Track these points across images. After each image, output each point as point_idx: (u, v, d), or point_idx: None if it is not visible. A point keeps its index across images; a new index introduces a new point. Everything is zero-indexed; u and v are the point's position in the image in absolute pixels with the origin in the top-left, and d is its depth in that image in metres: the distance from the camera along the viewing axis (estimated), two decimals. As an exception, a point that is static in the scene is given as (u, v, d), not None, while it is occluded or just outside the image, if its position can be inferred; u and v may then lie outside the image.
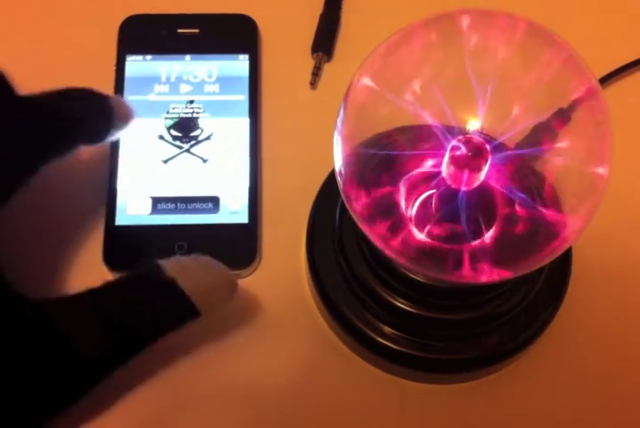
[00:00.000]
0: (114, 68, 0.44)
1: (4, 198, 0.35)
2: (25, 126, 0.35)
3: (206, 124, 0.43)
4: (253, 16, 0.46)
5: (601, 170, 0.30)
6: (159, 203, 0.41)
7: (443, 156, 0.30)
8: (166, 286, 0.34)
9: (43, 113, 0.36)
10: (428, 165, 0.32)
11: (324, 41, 0.46)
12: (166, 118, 0.43)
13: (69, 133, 0.36)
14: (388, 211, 0.32)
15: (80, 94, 0.37)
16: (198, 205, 0.41)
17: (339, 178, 0.31)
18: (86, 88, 0.37)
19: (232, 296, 0.36)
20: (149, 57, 0.44)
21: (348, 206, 0.31)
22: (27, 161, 0.35)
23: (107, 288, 0.35)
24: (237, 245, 0.40)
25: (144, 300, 0.34)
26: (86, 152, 0.42)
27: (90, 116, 0.37)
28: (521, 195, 0.31)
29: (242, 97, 0.43)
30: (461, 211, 0.31)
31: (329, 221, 0.38)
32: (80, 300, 0.34)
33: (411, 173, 0.33)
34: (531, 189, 0.32)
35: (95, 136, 0.38)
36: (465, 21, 0.31)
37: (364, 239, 0.35)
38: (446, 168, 0.30)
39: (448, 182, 0.30)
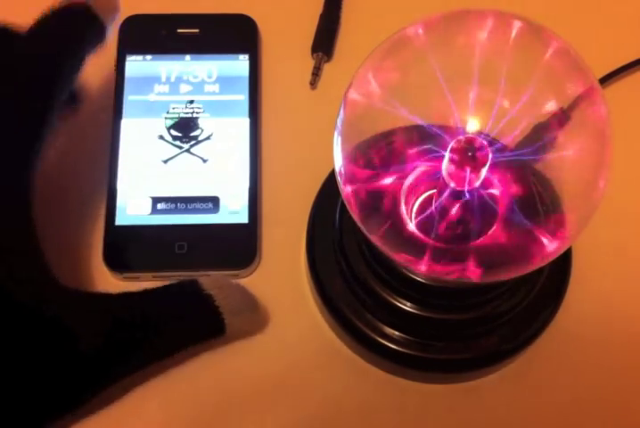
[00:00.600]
0: (114, 68, 0.44)
1: (48, 123, 0.36)
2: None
3: (206, 124, 0.43)
4: (253, 16, 0.46)
5: (601, 170, 0.30)
6: (159, 203, 0.41)
7: (443, 156, 0.30)
8: (202, 300, 0.35)
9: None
10: (428, 165, 0.32)
11: (324, 41, 0.46)
12: (166, 118, 0.43)
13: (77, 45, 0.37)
14: (388, 211, 0.32)
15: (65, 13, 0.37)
16: (198, 205, 0.41)
17: (339, 178, 0.31)
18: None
19: (257, 322, 0.37)
20: (149, 57, 0.44)
21: (347, 206, 0.31)
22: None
23: (138, 293, 0.35)
24: (237, 245, 0.40)
25: (175, 311, 0.35)
26: (86, 151, 0.43)
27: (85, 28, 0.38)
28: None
29: (242, 97, 0.43)
30: (461, 211, 0.31)
31: (329, 221, 0.38)
32: (100, 300, 0.35)
33: (411, 173, 0.33)
34: (531, 189, 0.32)
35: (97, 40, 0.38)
36: (466, 22, 0.31)
37: (364, 239, 0.35)
38: (446, 168, 0.30)
39: (448, 182, 0.30)
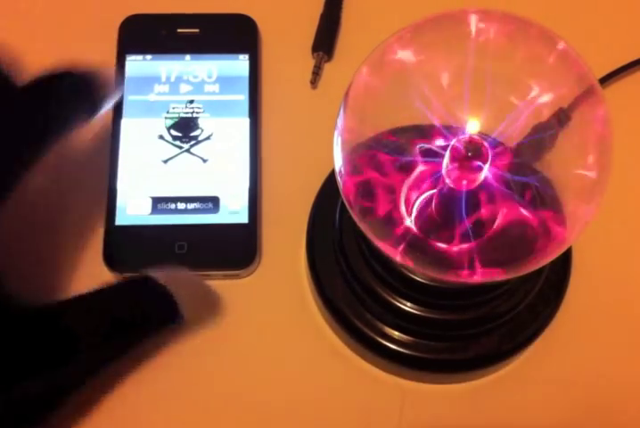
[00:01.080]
0: (114, 68, 0.44)
1: (6, 189, 0.34)
2: (22, 114, 0.35)
3: (206, 124, 0.43)
4: (253, 16, 0.46)
5: (601, 170, 0.30)
6: (159, 203, 0.41)
7: (443, 156, 0.30)
8: (155, 287, 0.35)
9: (35, 102, 0.35)
10: (428, 165, 0.32)
11: (325, 40, 0.46)
12: (166, 118, 0.43)
13: (61, 118, 0.36)
14: (388, 211, 0.32)
15: (63, 78, 0.36)
16: (198, 205, 0.41)
17: (339, 178, 0.31)
18: (66, 70, 0.36)
19: (216, 311, 0.38)
20: (149, 57, 0.44)
21: (347, 206, 0.31)
22: (27, 147, 0.35)
23: (110, 290, 0.35)
24: (237, 245, 0.40)
25: (141, 302, 0.35)
26: (86, 151, 0.43)
27: (76, 99, 0.36)
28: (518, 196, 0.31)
29: (242, 97, 0.43)
30: (461, 211, 0.31)
31: (329, 221, 0.38)
32: (99, 299, 0.35)
33: (411, 173, 0.33)
34: (531, 189, 0.32)
35: (86, 115, 0.37)
36: (465, 21, 0.31)
37: (364, 239, 0.35)
38: (446, 168, 0.30)
39: (448, 182, 0.30)
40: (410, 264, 0.31)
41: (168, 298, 0.35)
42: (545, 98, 0.31)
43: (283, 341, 0.39)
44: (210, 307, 0.38)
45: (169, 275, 0.36)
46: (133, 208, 0.41)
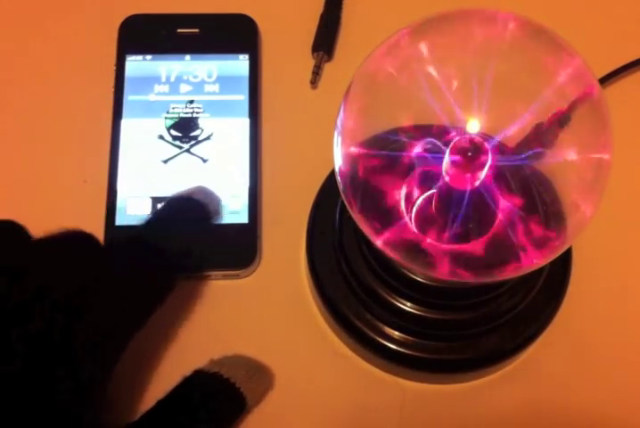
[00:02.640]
0: (114, 68, 0.44)
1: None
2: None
3: (206, 124, 0.43)
4: (253, 16, 0.46)
5: (601, 170, 0.30)
6: (159, 203, 0.41)
7: (443, 156, 0.30)
8: (220, 383, 0.34)
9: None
10: (428, 165, 0.32)
11: (325, 40, 0.46)
12: (166, 118, 0.43)
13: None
14: (387, 211, 0.32)
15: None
16: (198, 205, 0.41)
17: (339, 178, 0.31)
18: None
19: (270, 381, 0.37)
20: (149, 57, 0.44)
21: (347, 206, 0.31)
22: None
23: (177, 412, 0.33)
24: (237, 245, 0.40)
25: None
26: (86, 151, 0.43)
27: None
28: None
29: (242, 97, 0.43)
30: (460, 211, 0.31)
31: (329, 221, 0.38)
32: None
33: (411, 173, 0.33)
34: (531, 189, 0.32)
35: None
36: (466, 21, 0.31)
37: (364, 239, 0.35)
38: (446, 169, 0.30)
39: (448, 182, 0.30)
40: (410, 265, 0.31)
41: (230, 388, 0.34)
42: (546, 98, 0.31)
43: (284, 341, 0.39)
44: (265, 379, 0.37)
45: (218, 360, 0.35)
46: (133, 208, 0.41)
